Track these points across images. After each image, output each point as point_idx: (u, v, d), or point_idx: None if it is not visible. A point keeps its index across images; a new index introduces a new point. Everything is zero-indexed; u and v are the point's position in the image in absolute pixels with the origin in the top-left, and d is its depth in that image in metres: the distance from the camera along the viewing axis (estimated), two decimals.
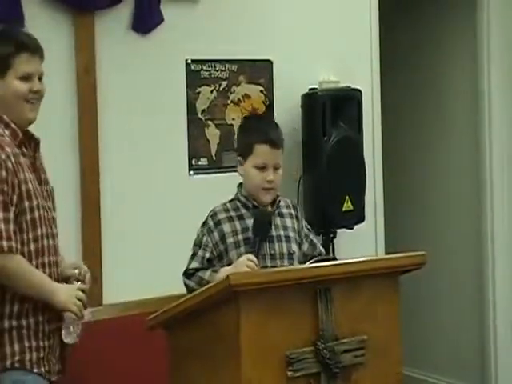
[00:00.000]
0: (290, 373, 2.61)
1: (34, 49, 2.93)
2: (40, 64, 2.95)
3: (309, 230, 3.38)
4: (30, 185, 2.85)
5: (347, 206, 4.39)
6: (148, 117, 4.11)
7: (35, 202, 2.86)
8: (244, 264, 2.99)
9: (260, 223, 3.14)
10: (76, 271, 2.99)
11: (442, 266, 5.40)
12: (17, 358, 2.82)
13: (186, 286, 3.15)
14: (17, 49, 2.88)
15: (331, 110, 4.34)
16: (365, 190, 4.52)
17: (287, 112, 4.47)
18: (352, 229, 4.48)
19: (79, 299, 2.88)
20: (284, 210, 3.29)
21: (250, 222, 3.17)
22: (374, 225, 4.80)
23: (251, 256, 3.04)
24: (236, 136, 3.48)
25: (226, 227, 3.17)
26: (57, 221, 3.00)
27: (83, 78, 3.93)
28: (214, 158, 4.28)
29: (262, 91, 4.45)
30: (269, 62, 4.45)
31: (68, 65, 3.89)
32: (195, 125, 4.26)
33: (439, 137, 5.68)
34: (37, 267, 2.85)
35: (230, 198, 3.27)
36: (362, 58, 4.75)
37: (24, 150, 2.91)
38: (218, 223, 3.18)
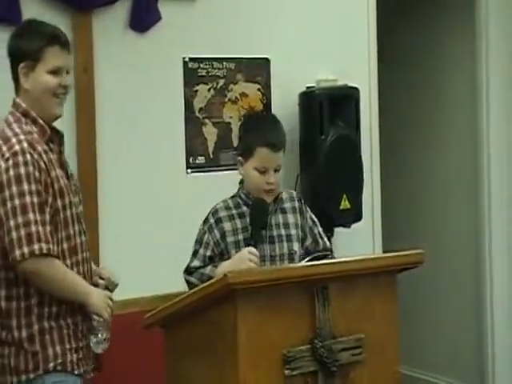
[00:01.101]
0: (287, 371, 2.61)
1: (65, 42, 2.86)
2: (68, 58, 2.89)
3: (314, 222, 3.31)
4: (61, 182, 2.81)
5: (344, 204, 4.39)
6: (145, 115, 4.11)
7: (67, 200, 2.82)
8: (246, 257, 2.99)
9: (255, 212, 3.12)
10: (102, 282, 2.96)
11: (440, 265, 5.40)
12: (59, 360, 2.79)
13: (188, 282, 3.13)
14: (48, 41, 2.80)
15: (329, 108, 4.34)
16: (362, 188, 4.52)
17: (285, 110, 4.46)
18: (349, 227, 4.48)
19: (109, 307, 2.85)
20: (287, 205, 3.25)
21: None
22: (371, 223, 4.80)
23: (252, 249, 3.03)
24: (238, 135, 3.40)
25: (227, 225, 3.15)
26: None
27: (81, 76, 3.92)
28: (212, 156, 4.27)
29: (259, 89, 4.44)
30: (266, 61, 4.45)
31: None
32: (192, 123, 4.25)
33: (437, 136, 5.68)
34: (71, 266, 2.81)
35: (233, 193, 3.25)
36: (360, 56, 4.75)
37: (51, 145, 2.86)
38: (218, 221, 3.16)
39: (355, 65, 4.71)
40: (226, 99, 4.35)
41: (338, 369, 2.69)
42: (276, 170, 3.16)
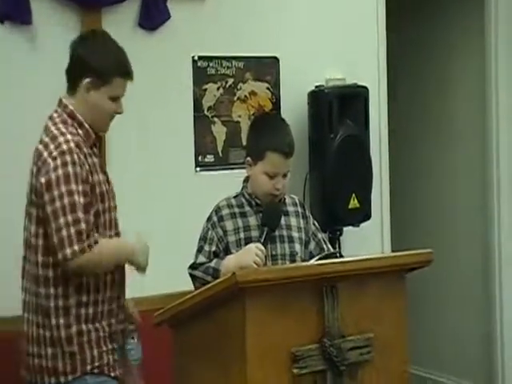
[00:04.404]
0: (295, 370, 2.61)
1: (131, 75, 2.93)
2: (126, 85, 2.95)
3: (317, 228, 3.35)
4: (103, 187, 2.88)
5: (353, 203, 4.38)
6: (154, 113, 4.11)
7: (107, 205, 2.89)
8: (253, 252, 3.00)
9: (269, 213, 3.14)
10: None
11: (448, 263, 5.40)
12: (96, 363, 2.82)
13: (193, 276, 3.14)
14: (121, 73, 2.88)
15: (338, 107, 4.34)
16: (371, 187, 4.51)
17: (294, 109, 4.47)
18: (358, 226, 4.48)
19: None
20: (290, 209, 3.27)
21: (252, 219, 3.17)
22: (380, 222, 4.79)
23: (259, 245, 3.04)
24: (247, 135, 3.38)
25: (229, 224, 3.16)
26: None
27: None
28: (221, 154, 4.28)
29: (268, 88, 4.44)
30: (275, 59, 4.45)
31: None
32: (201, 122, 4.25)
33: (446, 136, 5.67)
34: None
35: (236, 192, 3.27)
36: (369, 55, 4.75)
37: (95, 149, 2.93)
38: (220, 219, 3.17)
39: (364, 64, 4.70)
40: (235, 98, 4.35)
41: (347, 368, 2.69)
42: (284, 175, 3.17)
